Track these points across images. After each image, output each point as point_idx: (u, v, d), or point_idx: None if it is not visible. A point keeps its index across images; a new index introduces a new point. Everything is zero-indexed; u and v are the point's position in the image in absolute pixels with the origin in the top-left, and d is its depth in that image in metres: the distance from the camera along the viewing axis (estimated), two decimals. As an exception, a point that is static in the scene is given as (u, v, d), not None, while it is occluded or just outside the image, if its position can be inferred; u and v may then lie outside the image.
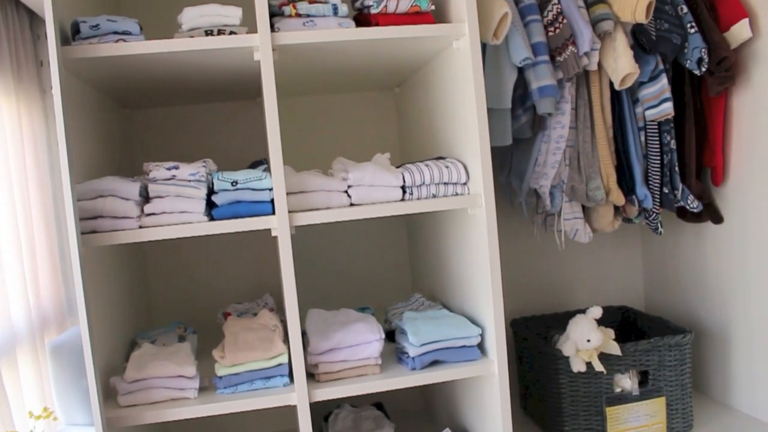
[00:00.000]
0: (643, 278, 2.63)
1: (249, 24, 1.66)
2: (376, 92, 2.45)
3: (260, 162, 1.86)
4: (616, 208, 2.11)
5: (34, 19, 2.57)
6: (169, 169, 1.63)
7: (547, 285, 2.55)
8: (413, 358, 1.71)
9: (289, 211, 1.63)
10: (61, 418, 2.22)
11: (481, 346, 1.77)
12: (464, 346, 1.75)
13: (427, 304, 2.07)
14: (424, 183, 1.74)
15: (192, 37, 1.61)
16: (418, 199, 1.75)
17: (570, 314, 2.38)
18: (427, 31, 1.69)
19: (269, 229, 1.64)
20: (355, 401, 2.13)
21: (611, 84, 2.00)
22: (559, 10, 1.91)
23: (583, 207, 2.10)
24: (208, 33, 1.62)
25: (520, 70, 1.91)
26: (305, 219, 1.63)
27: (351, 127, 2.44)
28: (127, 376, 1.62)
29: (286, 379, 1.68)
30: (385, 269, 2.49)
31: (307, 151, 2.35)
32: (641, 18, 1.84)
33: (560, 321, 2.36)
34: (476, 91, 1.67)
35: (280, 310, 2.11)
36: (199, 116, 2.36)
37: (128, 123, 2.31)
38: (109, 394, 1.64)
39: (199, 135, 2.35)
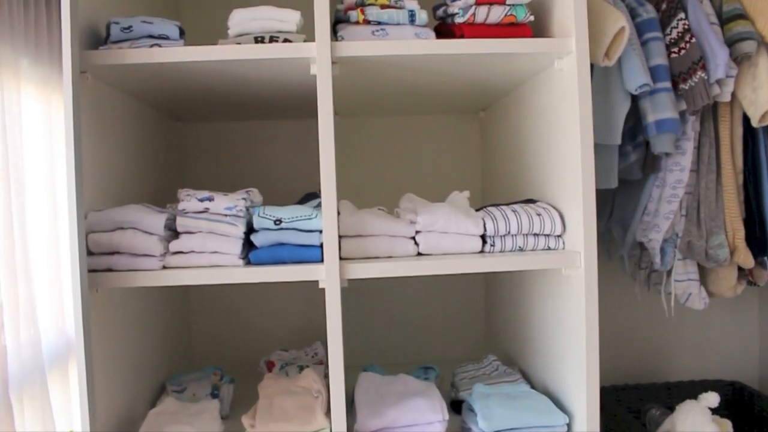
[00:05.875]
0: (759, 350, 2.13)
1: (309, 32, 1.33)
2: (457, 115, 2.07)
3: (314, 195, 1.51)
4: (741, 270, 1.66)
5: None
6: (201, 200, 1.31)
7: (641, 349, 2.10)
8: (482, 447, 1.32)
9: (342, 259, 1.28)
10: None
11: (567, 437, 1.37)
12: (546, 438, 1.35)
13: (502, 370, 1.67)
14: (509, 233, 1.36)
15: (239, 43, 1.29)
16: (500, 251, 1.36)
17: (669, 387, 1.97)
18: (523, 47, 1.31)
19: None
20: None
21: (745, 119, 1.56)
22: (686, 27, 1.49)
23: (700, 267, 1.67)
24: (258, 40, 1.30)
25: (634, 99, 1.51)
26: (360, 271, 1.27)
27: (425, 156, 2.06)
28: (139, 440, 1.31)
29: (326, 462, 1.33)
30: (456, 322, 2.09)
31: (371, 183, 2.01)
32: (795, 38, 1.41)
33: (656, 393, 1.95)
34: (582, 123, 1.28)
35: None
36: (254, 134, 2.04)
37: (179, 138, 2.01)
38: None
39: (253, 154, 2.04)
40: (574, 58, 1.29)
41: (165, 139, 1.85)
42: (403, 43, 1.29)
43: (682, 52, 1.50)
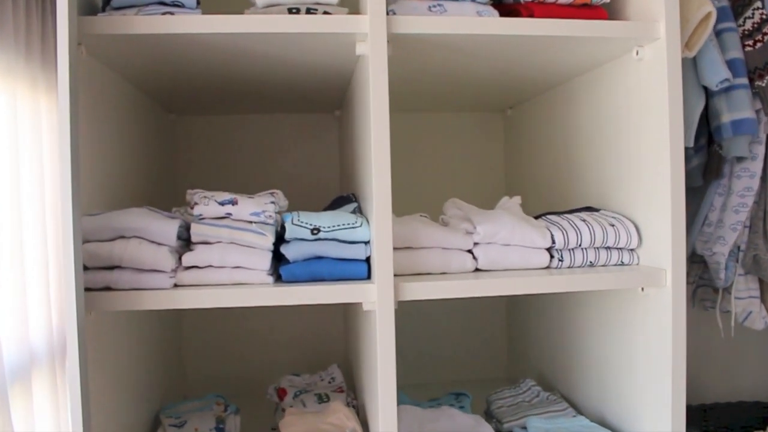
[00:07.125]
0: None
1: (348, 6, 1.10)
2: (480, 113, 1.86)
3: (347, 198, 1.28)
4: (801, 287, 1.50)
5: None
6: (222, 203, 1.06)
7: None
8: (550, 497, 1.12)
9: (395, 276, 1.05)
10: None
11: (640, 481, 1.17)
12: (621, 483, 1.16)
13: (544, 397, 1.47)
14: (579, 245, 1.15)
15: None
16: (569, 267, 1.16)
17: (705, 409, 1.80)
18: (607, 30, 1.11)
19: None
20: None
21: (818, 122, 1.40)
22: (763, 17, 1.32)
23: (761, 283, 1.50)
24: (293, 11, 1.06)
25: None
26: (417, 291, 1.04)
27: (444, 157, 1.85)
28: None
29: None
30: (476, 339, 1.88)
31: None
32: None
33: (692, 416, 1.74)
34: (672, 122, 1.08)
35: (350, 388, 1.53)
36: (256, 129, 1.79)
37: (173, 132, 1.75)
38: None
39: (254, 152, 1.78)
40: (663, 46, 1.09)
41: (157, 132, 1.58)
42: (472, 21, 1.06)
43: (758, 45, 1.32)
